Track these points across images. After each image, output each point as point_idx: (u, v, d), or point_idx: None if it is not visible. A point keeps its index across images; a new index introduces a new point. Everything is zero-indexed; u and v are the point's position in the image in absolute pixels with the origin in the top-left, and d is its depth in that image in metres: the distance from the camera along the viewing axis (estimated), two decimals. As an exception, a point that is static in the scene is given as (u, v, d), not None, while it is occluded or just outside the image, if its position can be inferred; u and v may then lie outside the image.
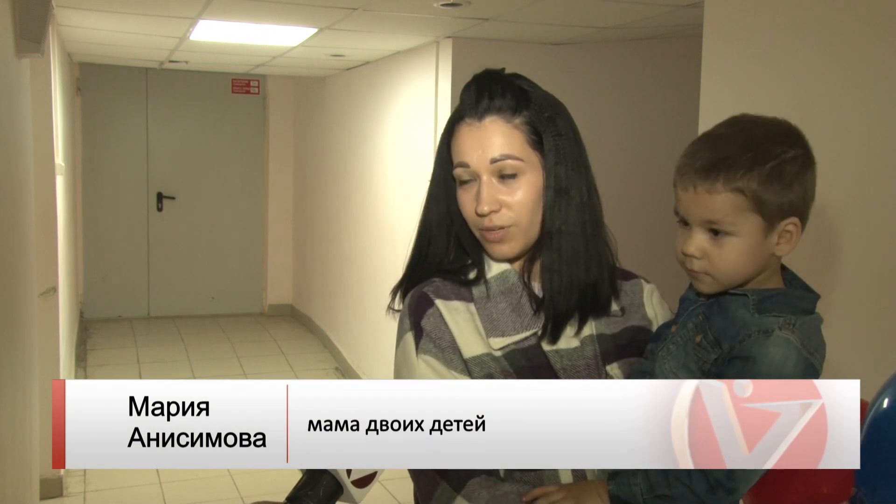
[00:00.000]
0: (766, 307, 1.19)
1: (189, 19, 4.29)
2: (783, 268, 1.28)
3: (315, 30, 4.45)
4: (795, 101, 2.30)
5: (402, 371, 1.35)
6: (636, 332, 1.41)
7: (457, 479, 1.25)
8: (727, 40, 2.53)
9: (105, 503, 4.10)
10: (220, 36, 4.86)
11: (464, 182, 1.35)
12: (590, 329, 1.37)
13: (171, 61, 6.35)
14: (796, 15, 2.29)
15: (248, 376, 6.16)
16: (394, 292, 1.47)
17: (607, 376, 1.35)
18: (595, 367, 1.35)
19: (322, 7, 3.81)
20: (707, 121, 2.63)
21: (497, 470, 1.28)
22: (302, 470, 0.96)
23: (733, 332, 1.19)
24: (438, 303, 1.35)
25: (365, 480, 0.96)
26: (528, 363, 1.32)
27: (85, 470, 4.41)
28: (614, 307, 1.41)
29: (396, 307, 1.46)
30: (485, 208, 1.31)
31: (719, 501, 1.15)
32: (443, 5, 3.66)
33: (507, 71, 1.43)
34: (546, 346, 1.34)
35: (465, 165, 1.34)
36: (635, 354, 1.38)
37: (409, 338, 1.34)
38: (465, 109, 1.35)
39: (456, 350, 1.32)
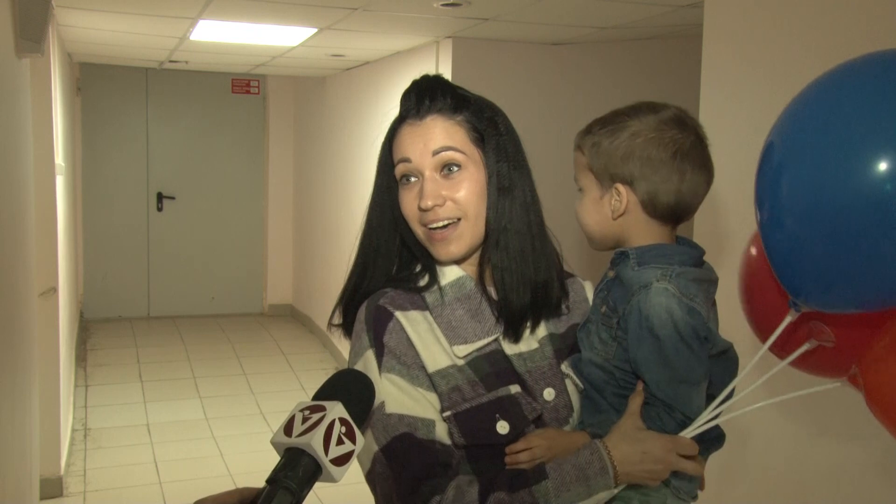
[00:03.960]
0: (645, 260, 1.31)
1: (189, 19, 4.29)
2: (680, 238, 1.39)
3: (315, 30, 4.45)
4: (795, 101, 2.29)
5: None
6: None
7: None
8: (727, 40, 2.53)
9: (105, 503, 4.10)
10: (220, 36, 4.86)
11: (406, 181, 1.34)
12: (543, 329, 1.38)
13: (171, 61, 6.35)
14: (795, 16, 2.29)
15: (248, 376, 6.16)
16: (339, 306, 1.42)
17: (563, 375, 1.36)
18: (556, 366, 1.36)
19: (322, 7, 3.81)
20: (707, 121, 2.63)
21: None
22: (280, 451, 0.97)
23: (623, 294, 1.31)
24: (398, 315, 1.31)
25: (343, 459, 0.97)
26: (493, 369, 1.31)
27: (85, 470, 4.41)
28: (562, 306, 1.42)
29: (336, 321, 1.42)
30: (428, 202, 1.29)
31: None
32: (443, 5, 3.66)
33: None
34: (509, 350, 1.33)
35: (406, 160, 1.32)
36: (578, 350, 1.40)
37: (371, 355, 1.29)
38: (407, 112, 1.35)
39: (421, 366, 1.28)
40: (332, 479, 0.96)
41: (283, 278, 8.22)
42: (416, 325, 1.31)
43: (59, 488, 4.07)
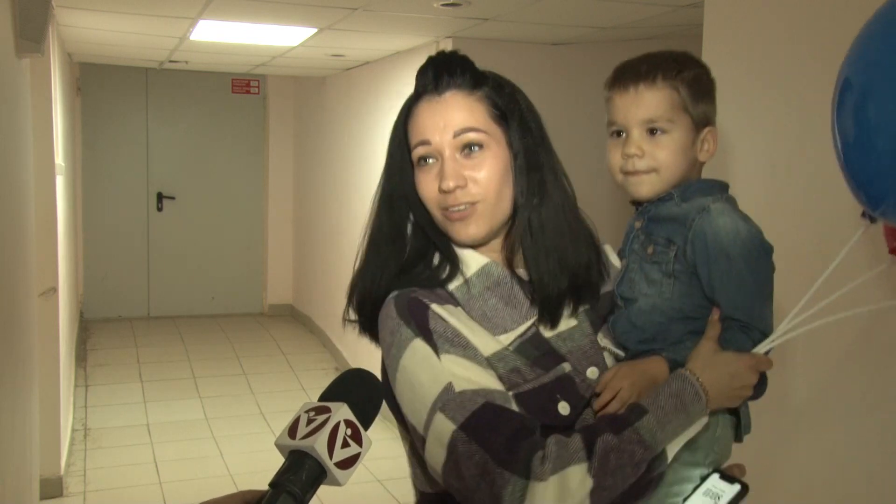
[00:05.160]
0: (688, 195, 1.33)
1: (189, 19, 4.29)
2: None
3: (315, 30, 4.45)
4: (794, 101, 2.29)
5: (421, 377, 1.19)
6: (613, 297, 1.39)
7: (520, 464, 1.11)
8: (727, 40, 2.53)
9: (105, 503, 4.10)
10: (220, 36, 4.86)
11: (424, 163, 1.28)
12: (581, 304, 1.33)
13: (171, 61, 6.35)
14: (795, 15, 2.29)
15: (248, 376, 6.16)
16: (353, 298, 1.33)
17: (599, 347, 1.32)
18: (596, 342, 1.32)
19: (322, 7, 3.81)
20: (707, 121, 2.63)
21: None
22: (284, 454, 0.95)
23: (678, 227, 1.31)
24: (434, 307, 1.23)
25: (349, 462, 0.94)
26: (538, 351, 1.25)
27: (85, 470, 4.41)
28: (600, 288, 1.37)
29: (353, 317, 1.33)
30: (450, 183, 1.23)
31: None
32: (443, 5, 3.66)
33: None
34: (546, 333, 1.27)
35: (426, 143, 1.26)
36: None
37: (420, 343, 1.20)
38: (424, 88, 1.29)
39: (475, 347, 1.21)
40: (336, 483, 0.94)
41: (283, 278, 8.22)
42: (456, 315, 1.24)
43: (59, 488, 4.07)
